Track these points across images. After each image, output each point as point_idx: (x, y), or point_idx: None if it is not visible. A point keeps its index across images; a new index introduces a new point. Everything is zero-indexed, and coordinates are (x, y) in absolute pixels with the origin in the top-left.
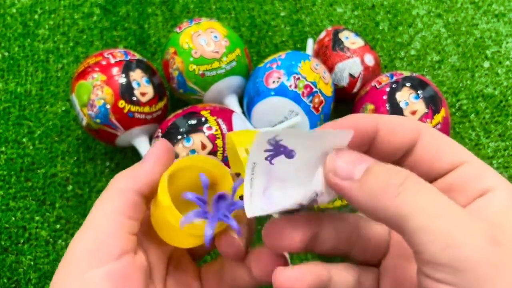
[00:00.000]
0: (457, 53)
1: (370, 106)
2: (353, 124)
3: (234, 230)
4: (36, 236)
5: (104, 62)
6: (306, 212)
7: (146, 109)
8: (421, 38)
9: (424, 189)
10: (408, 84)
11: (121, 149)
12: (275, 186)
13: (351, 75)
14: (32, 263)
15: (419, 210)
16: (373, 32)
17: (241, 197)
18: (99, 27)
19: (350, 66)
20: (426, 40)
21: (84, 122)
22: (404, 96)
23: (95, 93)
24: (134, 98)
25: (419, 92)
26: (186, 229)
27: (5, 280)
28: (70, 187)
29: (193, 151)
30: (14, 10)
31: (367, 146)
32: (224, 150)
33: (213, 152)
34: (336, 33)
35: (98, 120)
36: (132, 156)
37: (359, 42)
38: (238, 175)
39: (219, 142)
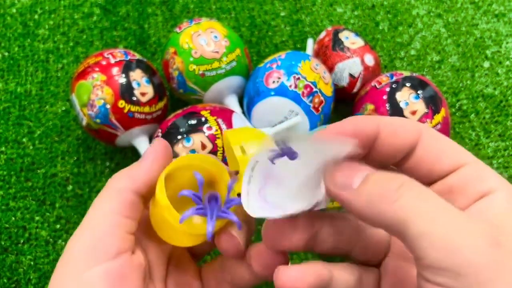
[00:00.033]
0: (457, 53)
1: (370, 106)
2: (354, 126)
3: (235, 224)
4: (36, 236)
5: (104, 62)
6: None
7: (146, 109)
8: (421, 38)
9: (422, 193)
10: (408, 84)
11: (121, 149)
12: (271, 187)
13: (351, 75)
14: (32, 263)
15: (418, 215)
16: (373, 32)
17: (239, 195)
18: (99, 27)
19: (350, 66)
20: (426, 40)
21: (84, 122)
22: (404, 96)
23: (95, 93)
24: (134, 98)
25: (419, 92)
26: (185, 228)
27: (5, 280)
28: (70, 187)
29: (193, 151)
30: (14, 10)
31: (368, 148)
32: (224, 150)
33: (213, 152)
34: (336, 33)
35: (98, 120)
36: (132, 156)
37: (359, 42)
38: (236, 173)
39: (219, 142)
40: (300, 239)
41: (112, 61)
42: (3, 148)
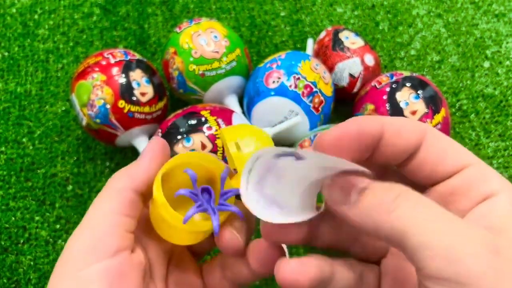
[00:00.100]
0: (457, 53)
1: (370, 106)
2: (358, 127)
3: (236, 217)
4: (36, 236)
5: (104, 62)
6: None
7: (146, 109)
8: (421, 38)
9: (419, 203)
10: (408, 84)
11: (121, 149)
12: (271, 179)
13: (351, 75)
14: (32, 263)
15: (416, 226)
16: (373, 32)
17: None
18: (99, 27)
19: (350, 66)
20: (426, 40)
21: (84, 122)
22: (404, 96)
23: (95, 93)
24: (134, 98)
25: (419, 92)
26: (187, 227)
27: (5, 280)
28: (70, 187)
29: (193, 151)
30: (14, 10)
31: (372, 150)
32: (224, 150)
33: (213, 152)
34: (336, 33)
35: (98, 120)
36: (132, 156)
37: (359, 42)
38: (235, 170)
39: (219, 142)
40: (298, 232)
41: (112, 61)
42: (3, 148)
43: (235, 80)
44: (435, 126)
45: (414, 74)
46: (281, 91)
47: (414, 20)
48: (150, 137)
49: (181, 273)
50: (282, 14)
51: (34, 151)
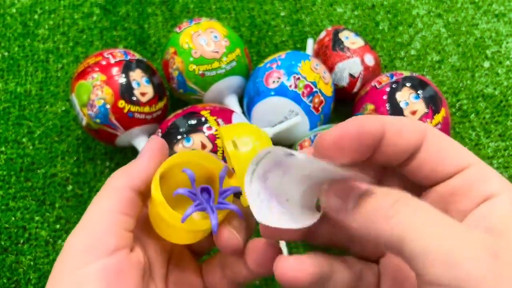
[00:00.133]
0: (457, 53)
1: (370, 106)
2: (359, 127)
3: (235, 215)
4: (36, 236)
5: (104, 62)
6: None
7: (146, 109)
8: (421, 38)
9: (417, 208)
10: (408, 84)
11: (121, 149)
12: (277, 172)
13: (351, 75)
14: (32, 263)
15: (415, 232)
16: (373, 32)
17: (237, 194)
18: (99, 27)
19: (350, 66)
20: (426, 40)
21: (84, 122)
22: (404, 96)
23: (95, 93)
24: (134, 98)
25: (419, 92)
26: (185, 226)
27: (5, 280)
28: (70, 187)
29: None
30: (14, 10)
31: (372, 149)
32: (224, 150)
33: (213, 152)
34: (336, 33)
35: (98, 120)
36: (132, 156)
37: (359, 42)
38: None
39: (219, 142)
40: (297, 230)
41: (112, 61)
42: (3, 148)
43: (235, 80)
44: (435, 126)
45: (414, 74)
46: (281, 91)
47: (414, 20)
48: (150, 137)
49: (181, 272)
50: (282, 14)
51: (34, 151)
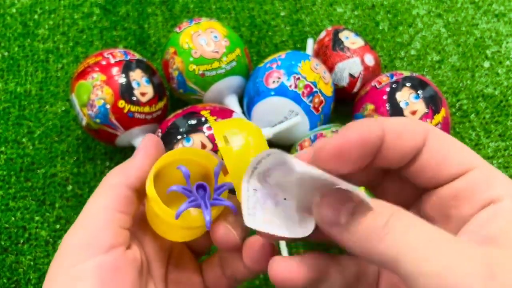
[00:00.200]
0: (457, 53)
1: (370, 106)
2: (359, 135)
3: (230, 211)
4: (36, 236)
5: (104, 62)
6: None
7: (146, 109)
8: (421, 38)
9: (410, 225)
10: (408, 84)
11: (121, 149)
12: (280, 171)
13: (351, 75)
14: (32, 263)
15: (408, 252)
16: (373, 32)
17: (231, 191)
18: (99, 27)
19: (350, 66)
20: (426, 40)
21: (84, 122)
22: (404, 96)
23: (95, 93)
24: (134, 98)
25: (419, 92)
26: (180, 222)
27: (5, 280)
28: (70, 187)
29: None
30: (14, 10)
31: (373, 155)
32: None
33: (213, 152)
34: (336, 33)
35: (98, 120)
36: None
37: (359, 42)
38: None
39: None
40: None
41: (112, 61)
42: (3, 148)
43: (235, 80)
44: (435, 126)
45: (414, 74)
46: (281, 91)
47: (414, 20)
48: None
49: (181, 271)
50: (282, 14)
51: (34, 151)
